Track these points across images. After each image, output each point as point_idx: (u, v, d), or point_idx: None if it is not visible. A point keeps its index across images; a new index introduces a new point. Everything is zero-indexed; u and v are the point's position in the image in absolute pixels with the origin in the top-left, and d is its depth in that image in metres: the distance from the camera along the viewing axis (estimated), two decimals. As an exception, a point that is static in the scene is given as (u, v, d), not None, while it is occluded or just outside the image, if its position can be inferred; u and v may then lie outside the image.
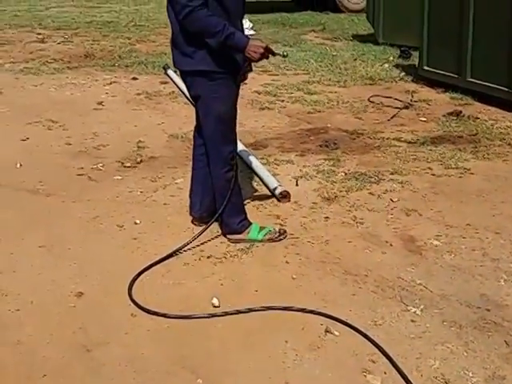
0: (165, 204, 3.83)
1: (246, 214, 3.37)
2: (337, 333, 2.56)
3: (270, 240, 3.30)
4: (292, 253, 3.22)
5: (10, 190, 4.13)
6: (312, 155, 4.65)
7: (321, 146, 4.84)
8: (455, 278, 2.97)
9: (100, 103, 6.19)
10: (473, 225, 3.51)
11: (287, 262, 3.13)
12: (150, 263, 3.07)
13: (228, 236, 3.34)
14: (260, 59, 2.99)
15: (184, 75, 3.20)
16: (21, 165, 4.53)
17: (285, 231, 3.38)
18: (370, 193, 3.94)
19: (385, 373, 2.33)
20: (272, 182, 3.94)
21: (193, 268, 3.10)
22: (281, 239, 3.32)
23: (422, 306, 2.73)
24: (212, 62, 3.01)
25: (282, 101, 6.17)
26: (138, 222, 3.62)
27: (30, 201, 3.94)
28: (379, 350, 2.43)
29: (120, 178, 4.29)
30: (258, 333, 2.58)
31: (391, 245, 3.29)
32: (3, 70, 7.78)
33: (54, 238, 3.42)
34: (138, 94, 6.48)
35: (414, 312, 2.69)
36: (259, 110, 5.85)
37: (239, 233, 3.31)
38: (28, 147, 4.93)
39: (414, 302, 2.76)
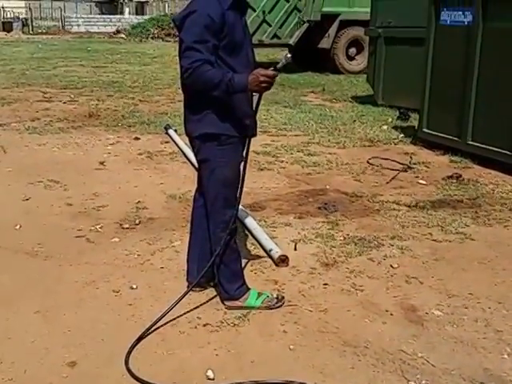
0: (162, 268, 3.76)
1: (244, 279, 3.31)
2: None
3: (268, 307, 3.22)
4: (290, 321, 3.13)
5: (8, 252, 4.07)
6: (311, 218, 4.61)
7: (319, 208, 4.81)
8: (457, 350, 2.88)
9: (102, 163, 6.20)
10: (475, 294, 3.43)
11: (285, 332, 3.04)
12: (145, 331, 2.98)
13: (225, 302, 3.26)
14: (267, 87, 2.88)
15: (193, 140, 3.18)
16: (20, 226, 4.48)
17: (283, 297, 3.31)
18: (370, 259, 3.88)
19: None
20: (270, 246, 3.88)
21: (188, 337, 3.01)
22: (278, 306, 3.24)
23: (423, 382, 2.63)
24: (221, 124, 3.01)
25: (282, 161, 6.18)
26: (134, 286, 3.54)
27: (27, 264, 3.87)
28: None
29: (118, 240, 4.24)
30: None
31: (391, 314, 3.20)
32: (9, 128, 7.85)
33: (50, 303, 3.34)
34: (140, 154, 6.50)
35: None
36: (258, 171, 5.85)
37: (236, 299, 3.24)
38: (28, 208, 4.90)
39: (415, 377, 2.66)
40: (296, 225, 4.47)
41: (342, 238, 4.19)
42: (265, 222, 4.49)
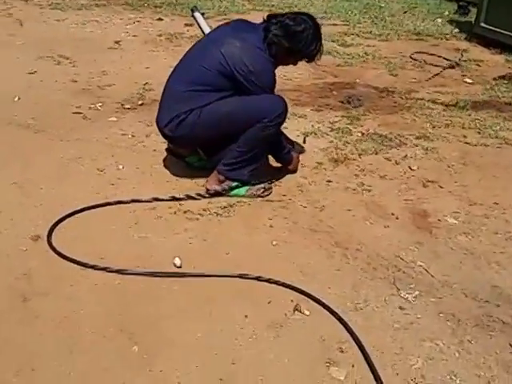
0: (154, 150, 3.51)
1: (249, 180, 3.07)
2: (307, 312, 2.21)
3: (252, 195, 2.97)
4: (279, 216, 2.85)
5: (1, 123, 3.89)
6: (330, 111, 4.22)
7: (342, 102, 4.41)
8: (466, 263, 2.55)
9: (117, 42, 5.89)
10: (501, 204, 3.05)
11: (271, 226, 2.77)
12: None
13: (208, 186, 3.01)
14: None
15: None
16: (19, 98, 4.30)
17: (270, 187, 3.04)
18: (387, 158, 3.51)
19: (352, 366, 1.97)
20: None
21: (164, 222, 2.79)
22: (265, 195, 3.00)
23: (416, 292, 2.34)
24: None
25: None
26: (120, 167, 3.32)
27: (16, 136, 3.70)
28: (352, 337, 2.07)
29: (115, 119, 4.00)
30: (217, 302, 2.26)
31: (397, 218, 2.88)
32: (32, 3, 7.56)
33: (29, 176, 3.17)
34: (159, 35, 6.13)
35: (406, 298, 2.30)
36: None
37: (229, 178, 2.99)
38: (32, 81, 4.70)
39: (408, 287, 2.37)
40: (312, 117, 4.11)
41: (359, 134, 3.82)
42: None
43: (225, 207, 2.91)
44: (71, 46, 5.67)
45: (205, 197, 2.99)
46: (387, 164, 3.44)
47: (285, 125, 3.86)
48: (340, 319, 2.15)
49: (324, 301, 2.25)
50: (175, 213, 2.86)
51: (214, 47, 2.91)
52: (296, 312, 2.20)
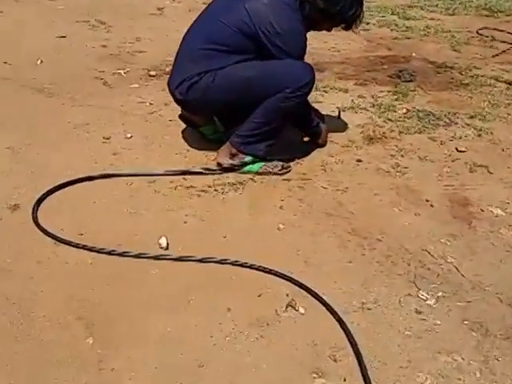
0: (170, 121, 3.25)
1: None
2: (302, 310, 1.89)
3: (266, 173, 2.67)
4: (293, 197, 2.54)
5: (16, 85, 3.75)
6: (375, 85, 3.84)
7: (391, 76, 4.01)
8: (506, 262, 2.17)
9: (160, 9, 5.69)
10: (563, 196, 2.62)
11: (281, 208, 2.46)
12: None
13: (218, 159, 2.72)
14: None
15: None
16: (42, 61, 4.15)
17: (289, 166, 2.72)
18: (432, 138, 3.12)
19: (344, 380, 1.65)
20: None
21: (162, 198, 2.53)
22: (280, 173, 2.69)
23: (439, 294, 1.98)
24: None
25: (368, 23, 5.28)
26: (128, 135, 3.08)
27: (27, 99, 3.53)
28: (350, 343, 1.74)
29: (137, 86, 3.77)
30: (199, 291, 1.97)
31: (432, 205, 2.51)
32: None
33: (29, 140, 2.98)
34: (204, 3, 5.84)
35: (426, 300, 1.95)
36: (334, 31, 5.02)
37: (242, 152, 2.69)
38: (61, 45, 4.55)
39: (430, 286, 2.01)
40: (354, 91, 3.74)
41: (404, 111, 3.43)
42: (315, 85, 3.78)
43: (233, 184, 2.62)
44: (111, 12, 5.51)
45: (213, 172, 2.71)
46: (431, 144, 3.05)
47: (320, 98, 3.56)
48: (340, 320, 1.82)
49: (325, 297, 1.92)
50: (176, 188, 2.59)
51: (238, 1, 2.60)
52: (289, 309, 1.89)
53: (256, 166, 2.71)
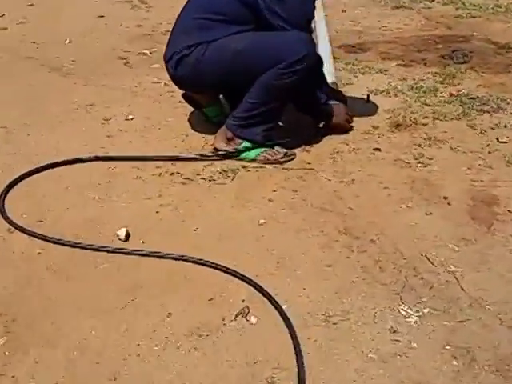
0: (180, 102, 3.04)
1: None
2: (254, 319, 1.64)
3: (265, 160, 2.41)
4: (287, 188, 2.27)
5: (36, 64, 3.70)
6: (421, 67, 3.48)
7: (444, 57, 3.61)
8: (524, 275, 1.80)
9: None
10: None
11: (270, 200, 2.20)
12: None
13: (215, 144, 2.50)
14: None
15: None
16: (70, 41, 4.09)
17: (293, 153, 2.45)
18: (471, 125, 2.75)
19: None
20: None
21: (141, 184, 2.34)
22: (281, 161, 2.41)
23: (426, 310, 1.66)
24: None
25: (432, 0, 4.86)
26: (130, 117, 2.92)
27: (42, 77, 3.49)
28: (297, 363, 1.47)
29: (158, 66, 3.60)
30: (144, 290, 1.76)
31: (449, 203, 2.16)
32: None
33: (28, 120, 2.90)
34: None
35: (406, 316, 1.63)
36: (391, 9, 4.68)
37: (239, 137, 2.45)
38: (96, 24, 4.51)
39: (417, 300, 1.69)
40: (394, 73, 3.40)
41: (446, 95, 3.05)
42: (352, 65, 3.48)
43: (224, 172, 2.39)
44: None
45: (207, 158, 2.49)
46: (468, 132, 2.68)
47: (354, 80, 3.25)
48: (292, 334, 1.55)
49: (284, 306, 1.66)
50: (160, 175, 2.39)
51: None
52: (239, 317, 1.64)
53: (253, 153, 2.47)
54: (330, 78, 2.91)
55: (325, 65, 2.72)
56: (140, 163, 2.47)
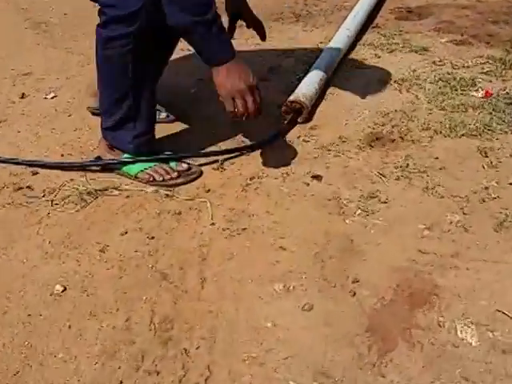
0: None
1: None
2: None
3: (148, 180, 1.78)
4: (143, 232, 1.64)
5: (20, 18, 3.32)
6: (481, 47, 2.66)
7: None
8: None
9: None
10: None
11: (102, 251, 1.59)
12: None
13: (99, 153, 1.92)
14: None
15: None
16: None
17: (195, 172, 1.79)
18: (483, 149, 1.91)
19: None
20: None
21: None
22: (168, 184, 1.77)
23: None
24: None
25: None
26: (52, 95, 2.46)
27: (13, 33, 3.07)
28: None
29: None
30: None
31: (354, 295, 1.40)
32: None
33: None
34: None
35: None
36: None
37: (114, 148, 1.85)
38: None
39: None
40: (434, 53, 2.62)
41: (480, 95, 2.18)
42: (387, 38, 2.67)
43: (83, 193, 1.80)
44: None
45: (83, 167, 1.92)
46: (471, 162, 1.86)
47: (372, 60, 2.52)
48: None
49: None
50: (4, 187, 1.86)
51: None
52: None
53: (136, 168, 1.84)
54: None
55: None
56: None
